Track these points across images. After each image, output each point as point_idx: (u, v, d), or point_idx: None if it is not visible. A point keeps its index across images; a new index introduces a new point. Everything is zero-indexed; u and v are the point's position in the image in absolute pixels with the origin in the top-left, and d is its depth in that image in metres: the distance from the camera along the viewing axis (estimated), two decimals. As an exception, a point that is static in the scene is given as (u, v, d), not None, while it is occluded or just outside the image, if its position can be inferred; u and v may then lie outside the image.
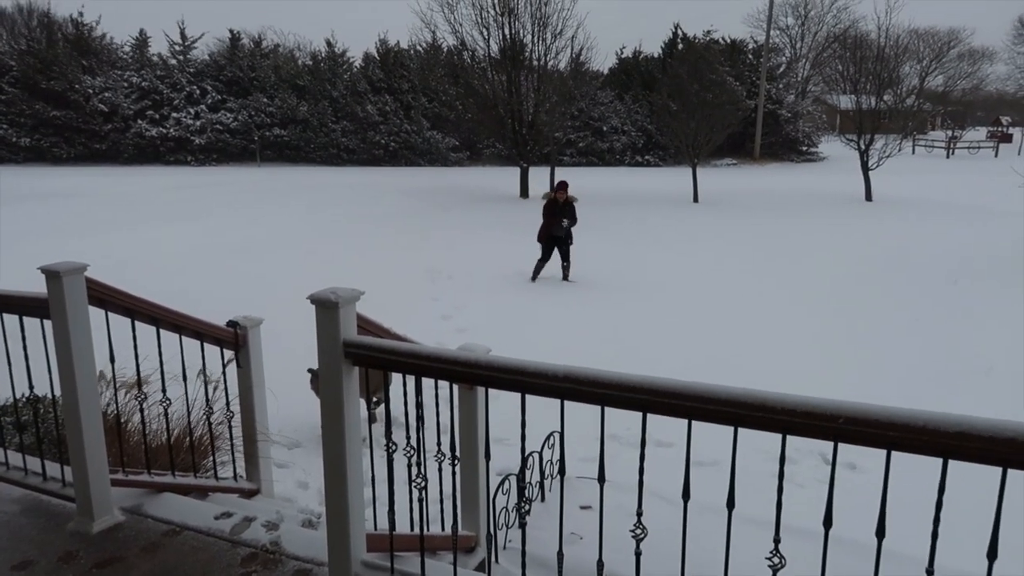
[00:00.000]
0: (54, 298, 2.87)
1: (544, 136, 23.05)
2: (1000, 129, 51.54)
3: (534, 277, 11.40)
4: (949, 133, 45.93)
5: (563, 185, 11.49)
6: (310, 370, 5.65)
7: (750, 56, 40.65)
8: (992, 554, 1.68)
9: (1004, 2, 58.52)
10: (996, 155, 41.88)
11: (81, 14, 37.99)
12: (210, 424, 3.78)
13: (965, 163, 37.97)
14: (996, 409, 5.01)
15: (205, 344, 3.60)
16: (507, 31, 22.77)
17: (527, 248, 14.17)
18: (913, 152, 42.65)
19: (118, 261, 11.30)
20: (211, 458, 3.93)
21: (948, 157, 42.32)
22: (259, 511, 3.35)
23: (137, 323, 3.25)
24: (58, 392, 3.07)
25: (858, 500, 2.81)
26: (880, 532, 1.80)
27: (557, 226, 11.15)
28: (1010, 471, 1.60)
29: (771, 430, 1.80)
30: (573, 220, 11.25)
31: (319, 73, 37.88)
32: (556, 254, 11.44)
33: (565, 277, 11.38)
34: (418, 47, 37.11)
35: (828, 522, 1.87)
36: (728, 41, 40.27)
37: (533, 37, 22.66)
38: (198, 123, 35.96)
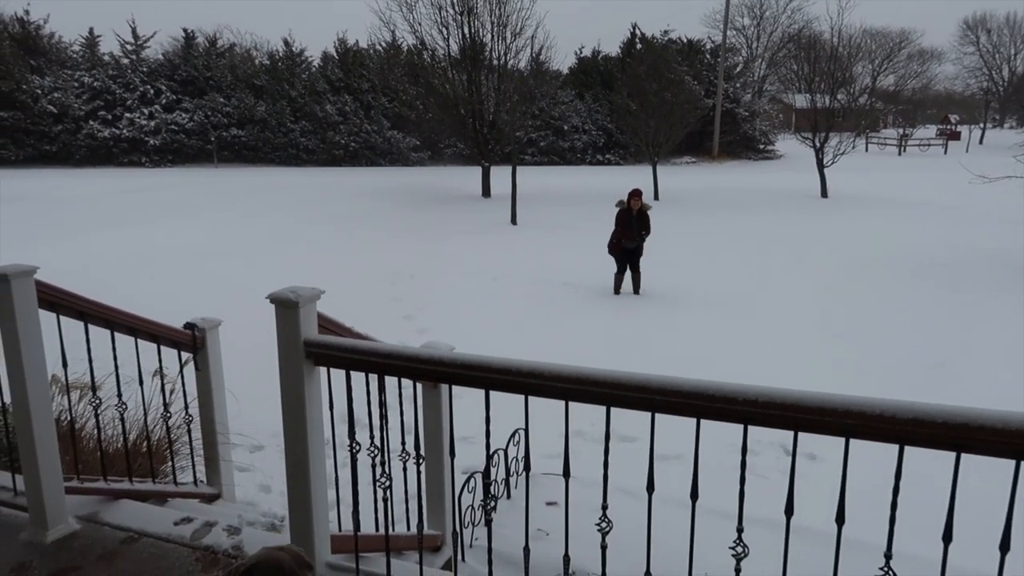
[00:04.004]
0: (2, 302, 2.78)
1: (505, 135, 23.01)
2: (949, 127, 53.00)
3: (616, 290, 10.70)
4: (900, 131, 47.14)
5: (637, 193, 10.61)
6: None
7: (707, 56, 41.19)
8: (947, 537, 1.73)
9: (951, 4, 60.15)
10: (945, 152, 43.09)
11: (27, 12, 36.90)
12: (168, 428, 3.70)
13: (916, 160, 38.99)
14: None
15: (162, 347, 3.52)
16: (467, 30, 22.70)
17: (490, 248, 14.19)
18: (866, 150, 43.64)
19: (69, 267, 11.00)
20: (170, 463, 3.85)
21: (900, 154, 43.42)
22: (220, 516, 3.29)
23: (91, 327, 3.17)
24: (8, 399, 2.98)
25: (818, 489, 2.86)
26: (840, 518, 1.84)
27: (630, 238, 10.47)
28: (964, 456, 1.65)
29: (732, 420, 1.83)
30: (647, 230, 10.62)
31: (277, 73, 37.36)
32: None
33: (636, 291, 10.68)
34: (377, 46, 36.76)
35: (789, 510, 1.90)
36: (686, 41, 40.76)
37: (493, 36, 22.61)
38: (152, 123, 35.22)
